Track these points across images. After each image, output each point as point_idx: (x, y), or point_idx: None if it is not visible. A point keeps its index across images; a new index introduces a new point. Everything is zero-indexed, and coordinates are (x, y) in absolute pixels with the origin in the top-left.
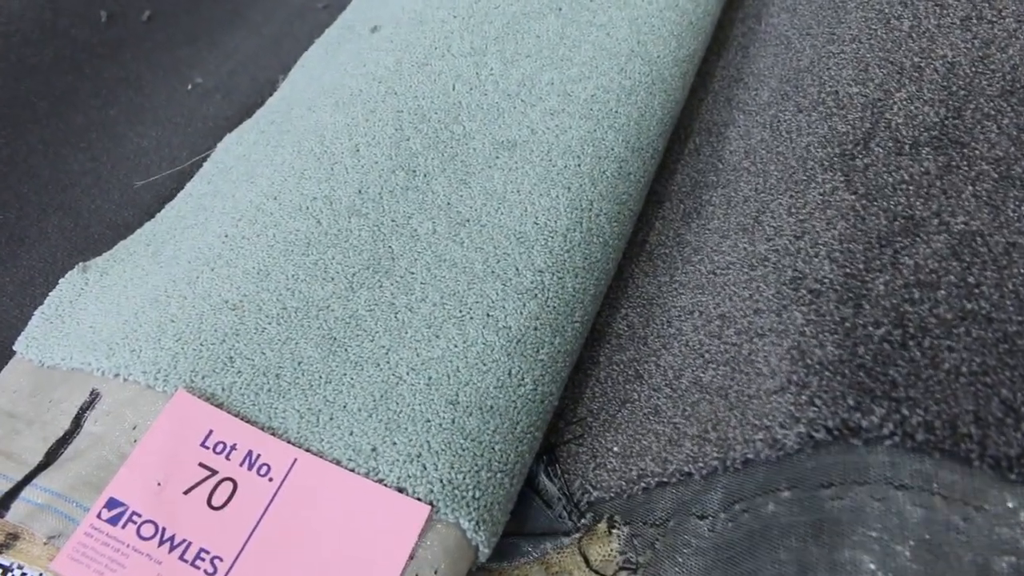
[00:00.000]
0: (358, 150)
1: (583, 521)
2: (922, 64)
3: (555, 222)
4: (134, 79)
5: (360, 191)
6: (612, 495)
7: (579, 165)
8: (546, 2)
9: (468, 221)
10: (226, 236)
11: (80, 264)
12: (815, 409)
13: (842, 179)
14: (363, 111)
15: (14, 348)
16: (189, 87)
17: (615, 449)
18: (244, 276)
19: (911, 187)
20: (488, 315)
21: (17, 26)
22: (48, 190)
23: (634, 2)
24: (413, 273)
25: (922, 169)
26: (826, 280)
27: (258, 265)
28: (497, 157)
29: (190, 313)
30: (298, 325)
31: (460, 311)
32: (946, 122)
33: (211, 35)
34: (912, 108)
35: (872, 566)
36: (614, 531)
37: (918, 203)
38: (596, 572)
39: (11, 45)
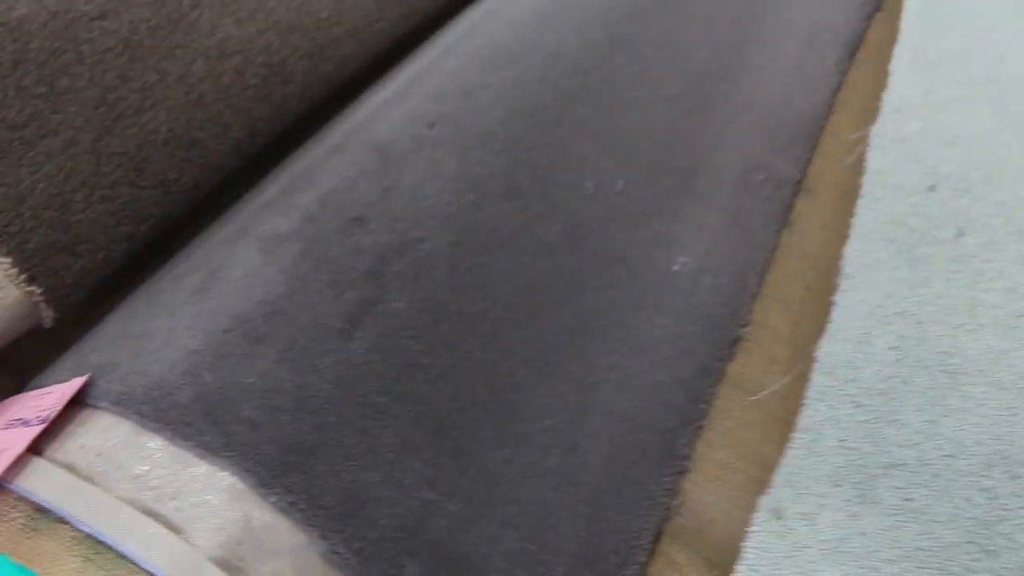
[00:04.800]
0: None
1: None
2: None
3: None
4: (621, 256)
5: None
6: None
7: None
8: None
9: None
10: None
11: (768, 506)
12: None
13: None
14: None
15: None
16: (676, 267)
17: None
18: None
19: None
20: None
21: (534, 211)
22: (579, 386)
23: None
24: None
25: None
26: None
27: None
28: None
29: None
30: None
31: None
32: None
33: (674, 209)
34: None
35: None
36: None
37: None
38: None
39: (524, 231)
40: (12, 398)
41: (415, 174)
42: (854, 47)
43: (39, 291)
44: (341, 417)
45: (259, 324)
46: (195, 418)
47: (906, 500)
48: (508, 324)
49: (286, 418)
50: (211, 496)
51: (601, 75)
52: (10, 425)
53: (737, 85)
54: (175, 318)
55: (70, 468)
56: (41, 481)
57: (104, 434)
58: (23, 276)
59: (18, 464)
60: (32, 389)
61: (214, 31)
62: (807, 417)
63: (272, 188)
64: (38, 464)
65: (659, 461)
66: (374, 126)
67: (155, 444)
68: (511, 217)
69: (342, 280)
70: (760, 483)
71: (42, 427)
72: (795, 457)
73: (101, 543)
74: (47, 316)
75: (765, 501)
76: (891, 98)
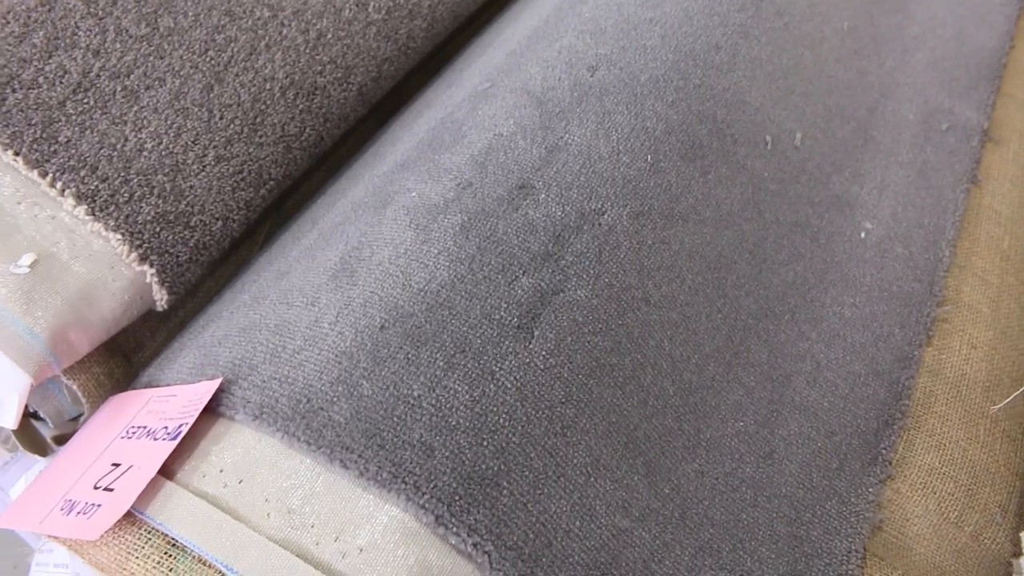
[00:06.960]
0: None
1: None
2: None
3: None
4: (804, 222)
5: None
6: None
7: None
8: None
9: None
10: None
11: None
12: None
13: None
14: None
15: None
16: (862, 235)
17: None
18: None
19: None
20: None
21: (715, 174)
22: (769, 380)
23: None
24: None
25: None
26: None
27: None
28: None
29: None
30: None
31: None
32: None
33: (855, 164)
34: None
35: None
36: None
37: None
38: None
39: (706, 197)
40: (128, 395)
41: (583, 131)
42: None
43: (152, 271)
44: (526, 435)
45: (421, 320)
46: (356, 440)
47: None
48: (695, 309)
49: (465, 439)
50: (380, 537)
51: (773, 6)
52: (132, 433)
53: (907, 15)
54: (317, 308)
55: (211, 499)
56: (179, 514)
57: (246, 456)
58: (134, 254)
59: (149, 489)
60: (150, 385)
61: None
62: None
63: (407, 141)
64: (172, 492)
65: (861, 468)
66: (523, 69)
67: (309, 471)
68: (692, 181)
69: (514, 264)
70: (970, 491)
71: (174, 444)
72: None
73: None
74: (161, 299)
75: None
76: None
